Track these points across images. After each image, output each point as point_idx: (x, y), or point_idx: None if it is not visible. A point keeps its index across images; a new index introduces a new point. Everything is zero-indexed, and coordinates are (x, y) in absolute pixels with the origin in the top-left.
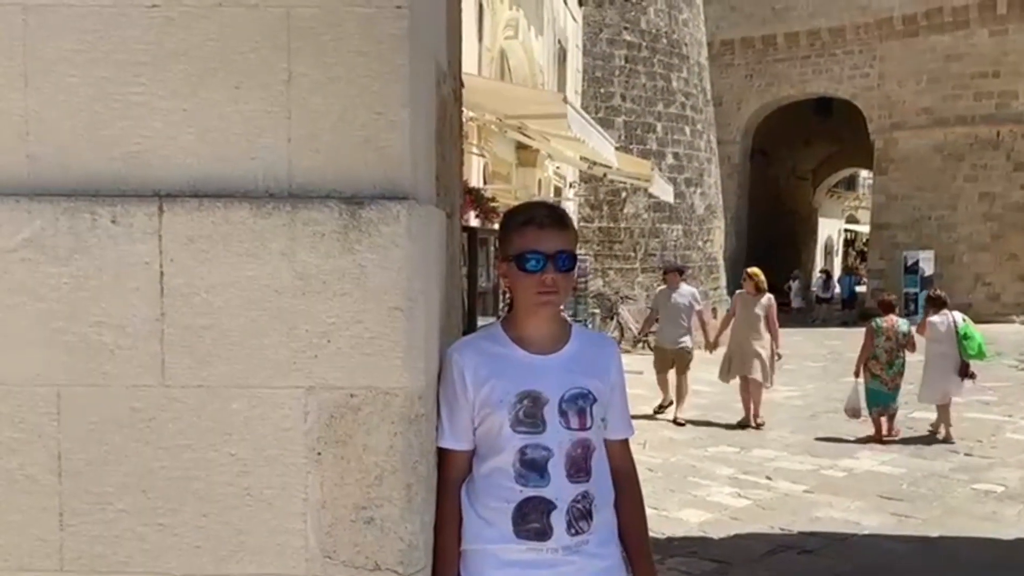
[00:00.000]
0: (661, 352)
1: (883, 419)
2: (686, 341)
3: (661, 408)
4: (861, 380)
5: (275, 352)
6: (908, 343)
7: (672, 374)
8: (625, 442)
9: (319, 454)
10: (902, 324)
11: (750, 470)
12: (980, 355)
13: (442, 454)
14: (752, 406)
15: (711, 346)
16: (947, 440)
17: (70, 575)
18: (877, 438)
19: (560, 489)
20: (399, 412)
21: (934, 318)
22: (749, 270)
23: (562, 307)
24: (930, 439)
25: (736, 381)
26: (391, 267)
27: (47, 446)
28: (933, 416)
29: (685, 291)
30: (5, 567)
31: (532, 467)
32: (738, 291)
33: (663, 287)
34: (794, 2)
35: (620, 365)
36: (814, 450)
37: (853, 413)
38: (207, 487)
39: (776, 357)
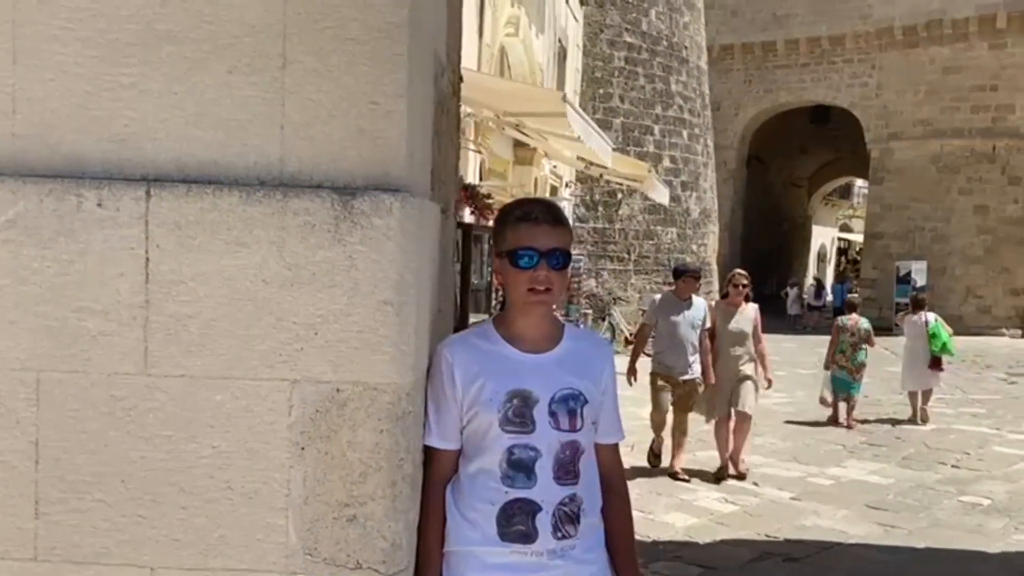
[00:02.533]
0: (662, 382)
1: (843, 405)
2: (695, 371)
3: (657, 458)
4: (830, 372)
5: (261, 343)
6: (868, 339)
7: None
8: (615, 447)
9: (303, 449)
10: (864, 322)
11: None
12: (946, 351)
13: (428, 452)
14: (733, 449)
15: (707, 375)
16: (915, 421)
17: (45, 564)
18: (834, 419)
19: (546, 491)
20: (386, 408)
21: (912, 317)
22: (741, 273)
23: (555, 307)
24: (918, 452)
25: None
26: (382, 260)
27: (25, 432)
28: (915, 426)
29: (700, 305)
30: None
31: (519, 468)
32: (714, 301)
33: (666, 294)
34: (795, 9)
35: (613, 368)
36: (801, 457)
37: (825, 402)
38: (187, 479)
39: (766, 385)
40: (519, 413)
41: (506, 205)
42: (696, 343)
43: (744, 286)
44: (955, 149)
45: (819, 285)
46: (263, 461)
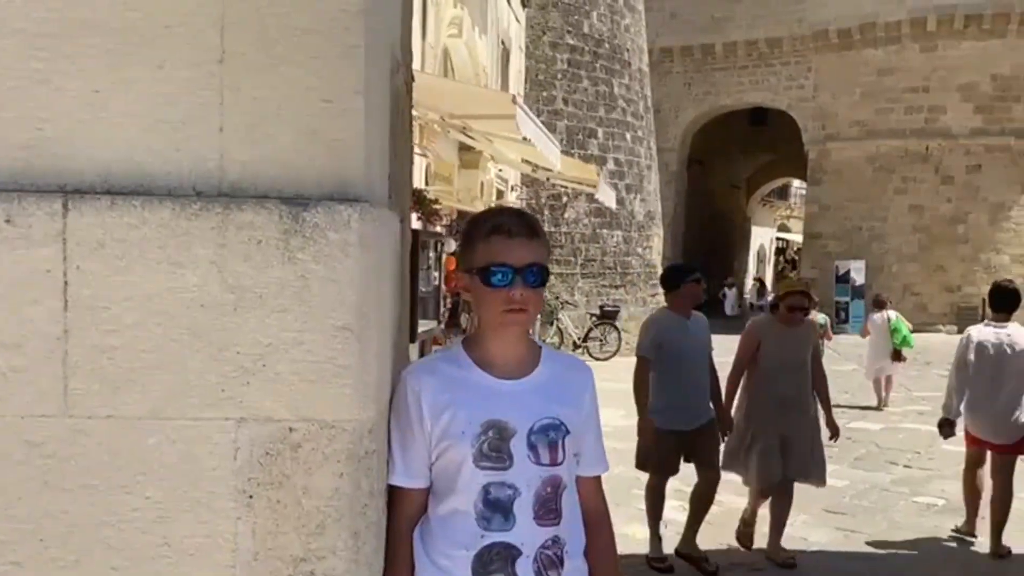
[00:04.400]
0: (665, 441)
1: None
2: (710, 411)
3: (663, 563)
4: None
5: (200, 378)
6: (824, 334)
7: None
8: (598, 479)
9: (251, 497)
10: (820, 317)
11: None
12: (905, 344)
13: (393, 493)
14: (770, 525)
15: (726, 424)
16: (879, 408)
17: None
18: None
19: (527, 533)
20: (346, 449)
21: (874, 315)
22: (802, 291)
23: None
24: (870, 453)
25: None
26: (339, 280)
27: None
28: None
29: (703, 322)
30: None
31: (496, 508)
32: (756, 319)
33: (661, 313)
34: (733, 12)
35: (595, 392)
36: None
37: None
38: (118, 535)
39: (829, 434)
40: (495, 447)
41: (473, 217)
42: (708, 376)
43: (804, 310)
44: (890, 149)
45: (761, 284)
46: (206, 512)
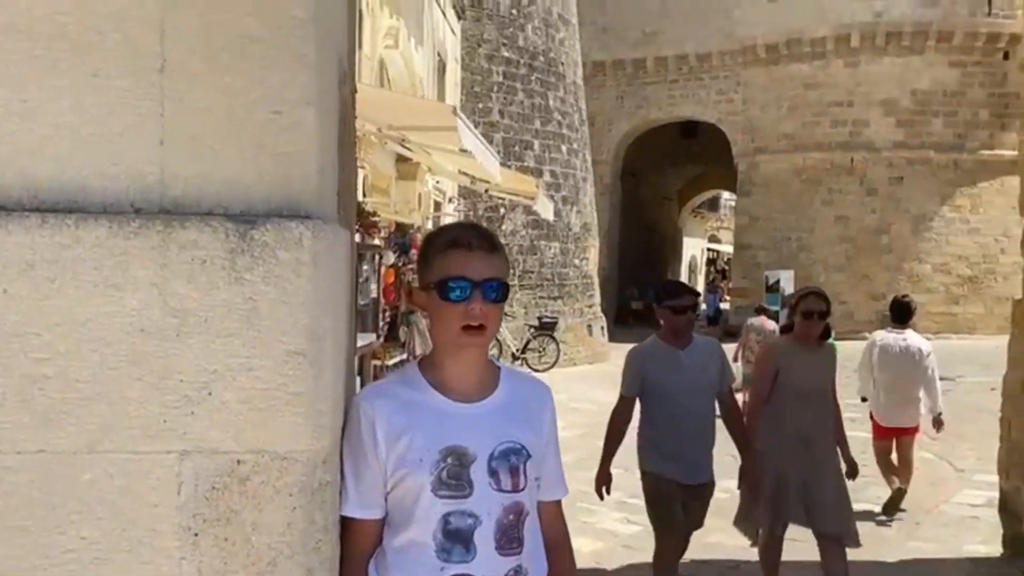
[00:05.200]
0: (663, 490)
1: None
2: (711, 469)
3: None
4: (739, 364)
5: (140, 408)
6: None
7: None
8: (559, 503)
9: (196, 535)
10: (770, 324)
11: (637, 492)
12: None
13: (346, 524)
14: None
15: (751, 475)
16: None
17: None
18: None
19: (488, 564)
20: (299, 481)
21: None
22: (817, 293)
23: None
24: None
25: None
26: (290, 301)
27: None
28: None
29: (711, 348)
30: None
31: (456, 538)
32: (771, 342)
33: (650, 344)
34: (664, 27)
35: (554, 412)
36: None
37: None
38: None
39: (850, 474)
40: (454, 474)
41: (431, 232)
42: (715, 417)
43: (822, 314)
44: (816, 162)
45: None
46: (147, 552)
